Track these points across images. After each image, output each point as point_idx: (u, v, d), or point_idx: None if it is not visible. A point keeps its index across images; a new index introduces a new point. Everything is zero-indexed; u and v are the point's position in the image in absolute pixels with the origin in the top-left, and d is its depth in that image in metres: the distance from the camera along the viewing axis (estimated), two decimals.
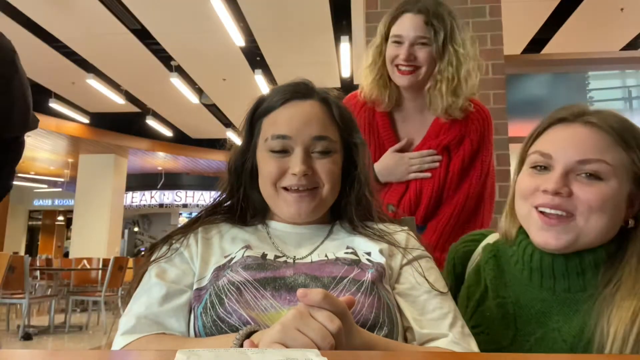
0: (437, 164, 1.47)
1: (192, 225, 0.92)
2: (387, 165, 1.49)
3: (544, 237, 0.81)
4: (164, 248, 0.87)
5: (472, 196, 1.47)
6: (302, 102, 0.91)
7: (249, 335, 0.64)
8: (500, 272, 0.91)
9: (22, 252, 14.30)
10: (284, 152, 0.88)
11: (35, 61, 7.47)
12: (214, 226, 0.92)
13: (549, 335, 0.81)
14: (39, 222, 18.03)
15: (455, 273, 1.03)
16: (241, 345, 0.62)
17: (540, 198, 0.82)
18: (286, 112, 0.90)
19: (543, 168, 0.84)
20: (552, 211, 0.81)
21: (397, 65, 1.43)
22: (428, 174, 1.47)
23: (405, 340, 0.79)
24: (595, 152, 0.80)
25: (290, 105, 0.90)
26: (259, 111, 0.94)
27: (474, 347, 0.78)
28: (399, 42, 1.42)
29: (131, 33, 6.67)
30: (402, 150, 1.50)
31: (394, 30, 1.44)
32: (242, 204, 0.95)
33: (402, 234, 0.92)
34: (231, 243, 0.88)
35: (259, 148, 0.92)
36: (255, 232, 0.92)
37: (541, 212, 0.82)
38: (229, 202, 0.97)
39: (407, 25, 1.41)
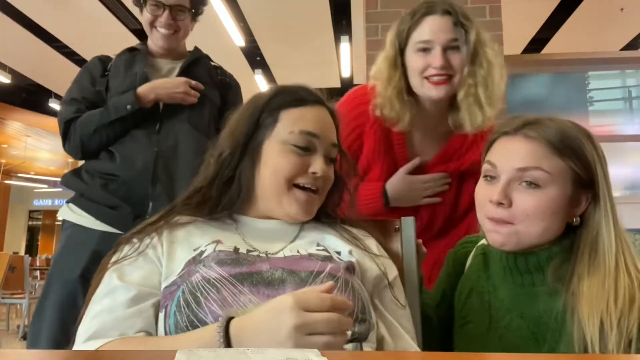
0: (447, 187, 1.37)
1: (156, 222, 0.88)
2: (401, 189, 1.35)
3: (492, 237, 0.93)
4: (126, 248, 0.84)
5: None
6: (323, 108, 0.94)
7: (228, 321, 0.63)
8: (485, 267, 1.01)
9: (22, 252, 14.29)
10: (306, 150, 0.89)
11: (35, 61, 7.47)
12: (177, 220, 0.89)
13: (514, 322, 0.92)
14: (39, 222, 17.98)
15: (456, 273, 1.10)
16: (227, 336, 0.62)
17: (489, 209, 0.92)
18: (315, 112, 0.92)
19: (492, 178, 0.93)
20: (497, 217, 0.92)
21: (427, 77, 1.24)
22: (439, 199, 1.37)
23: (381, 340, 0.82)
24: (533, 160, 0.88)
25: (317, 108, 0.93)
26: (280, 100, 0.92)
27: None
28: (426, 49, 1.24)
29: (131, 33, 6.66)
30: (413, 170, 1.36)
31: (417, 37, 1.25)
32: (216, 193, 0.90)
33: (371, 240, 0.96)
34: (199, 236, 0.85)
35: (272, 138, 0.90)
36: (223, 226, 0.89)
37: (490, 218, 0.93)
38: (199, 193, 0.91)
39: (435, 28, 1.23)
